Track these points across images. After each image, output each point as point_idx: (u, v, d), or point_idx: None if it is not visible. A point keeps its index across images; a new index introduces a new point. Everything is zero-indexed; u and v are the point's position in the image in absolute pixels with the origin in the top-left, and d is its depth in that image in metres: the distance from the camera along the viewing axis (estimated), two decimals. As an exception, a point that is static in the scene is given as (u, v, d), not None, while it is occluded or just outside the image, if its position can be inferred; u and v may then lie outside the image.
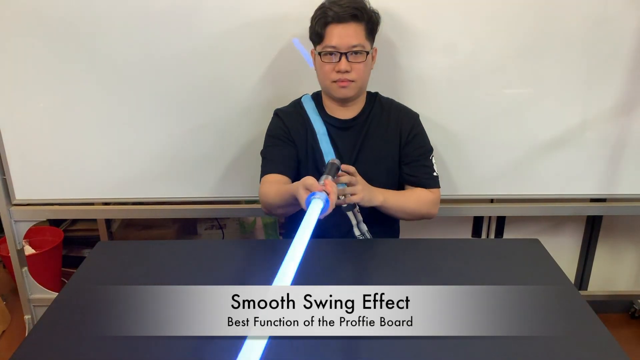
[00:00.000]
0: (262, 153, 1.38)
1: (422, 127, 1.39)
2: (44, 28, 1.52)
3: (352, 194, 1.19)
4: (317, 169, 1.33)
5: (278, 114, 1.39)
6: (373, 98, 1.39)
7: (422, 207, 1.35)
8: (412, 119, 1.38)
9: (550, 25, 1.54)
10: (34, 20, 1.51)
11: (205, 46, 1.54)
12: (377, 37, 1.32)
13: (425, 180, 1.37)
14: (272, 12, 1.51)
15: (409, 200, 1.35)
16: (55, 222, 2.38)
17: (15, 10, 1.50)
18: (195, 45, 1.54)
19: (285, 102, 1.43)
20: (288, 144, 1.35)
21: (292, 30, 1.51)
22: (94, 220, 2.31)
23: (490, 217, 1.98)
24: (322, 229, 1.36)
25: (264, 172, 1.34)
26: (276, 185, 1.26)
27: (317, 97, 1.39)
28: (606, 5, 1.51)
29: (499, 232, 1.99)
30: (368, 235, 1.36)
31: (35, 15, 1.50)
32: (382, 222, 1.37)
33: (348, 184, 1.20)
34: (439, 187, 1.39)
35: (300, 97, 1.41)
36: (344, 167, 1.19)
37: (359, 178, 1.21)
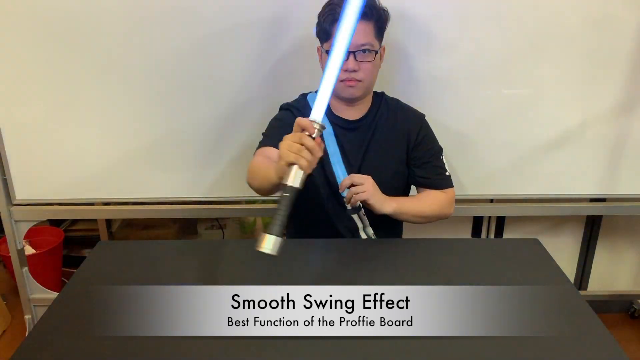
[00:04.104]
0: (264, 133, 1.33)
1: (430, 128, 1.38)
2: (44, 28, 1.52)
3: (360, 192, 1.18)
4: (323, 169, 1.31)
5: (288, 107, 1.35)
6: (379, 98, 1.37)
7: (437, 209, 1.34)
8: (419, 120, 1.37)
9: (550, 26, 1.54)
10: (33, 20, 1.51)
11: (206, 46, 1.54)
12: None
13: (438, 181, 1.36)
14: (271, 12, 1.51)
15: (424, 204, 1.33)
16: (55, 222, 2.39)
17: (15, 10, 1.50)
18: (195, 45, 1.54)
19: (285, 102, 1.43)
20: (288, 127, 1.30)
21: (291, 31, 1.52)
22: (94, 220, 2.31)
23: (490, 217, 1.98)
24: (328, 233, 1.37)
25: (261, 145, 1.28)
26: (269, 161, 1.16)
27: None
28: (606, 5, 1.51)
29: (499, 232, 1.99)
30: (373, 238, 1.36)
31: (35, 15, 1.50)
32: (386, 225, 1.36)
33: (354, 184, 1.20)
34: (452, 186, 1.37)
35: (306, 95, 1.38)
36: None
37: (367, 179, 1.21)
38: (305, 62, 1.51)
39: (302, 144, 0.89)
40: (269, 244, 0.84)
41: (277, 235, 0.85)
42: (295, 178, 0.89)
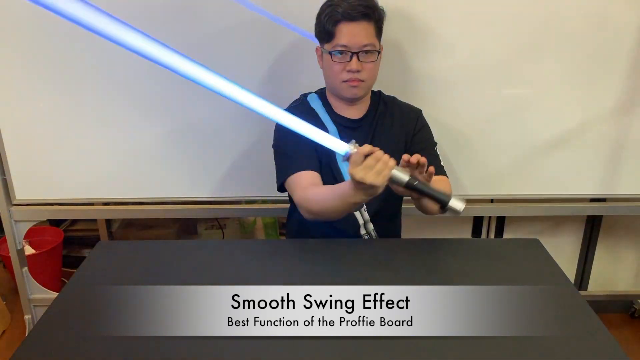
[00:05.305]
0: (280, 150, 1.29)
1: (426, 121, 1.38)
2: (44, 28, 1.52)
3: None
4: (331, 170, 1.31)
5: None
6: (377, 97, 1.38)
7: (446, 187, 1.27)
8: (415, 114, 1.38)
9: (550, 25, 1.54)
10: (33, 21, 1.51)
11: (206, 46, 1.54)
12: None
13: (437, 168, 1.30)
14: (270, 11, 1.51)
15: (440, 186, 1.23)
16: (55, 222, 2.38)
17: (15, 10, 1.50)
18: (195, 45, 1.54)
19: (285, 102, 1.41)
20: (307, 139, 1.25)
21: (291, 30, 1.52)
22: (94, 220, 2.31)
23: (490, 217, 1.98)
24: (330, 231, 1.36)
25: (292, 170, 1.24)
26: (326, 188, 1.17)
27: (322, 96, 1.36)
28: (606, 5, 1.51)
29: (499, 232, 1.99)
30: (374, 235, 1.36)
31: (35, 15, 1.50)
32: (385, 219, 1.36)
33: (420, 163, 1.09)
34: (447, 176, 1.35)
35: (306, 96, 1.38)
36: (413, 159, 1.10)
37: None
38: (305, 62, 1.51)
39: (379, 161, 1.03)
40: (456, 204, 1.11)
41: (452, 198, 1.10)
42: (402, 175, 1.05)
